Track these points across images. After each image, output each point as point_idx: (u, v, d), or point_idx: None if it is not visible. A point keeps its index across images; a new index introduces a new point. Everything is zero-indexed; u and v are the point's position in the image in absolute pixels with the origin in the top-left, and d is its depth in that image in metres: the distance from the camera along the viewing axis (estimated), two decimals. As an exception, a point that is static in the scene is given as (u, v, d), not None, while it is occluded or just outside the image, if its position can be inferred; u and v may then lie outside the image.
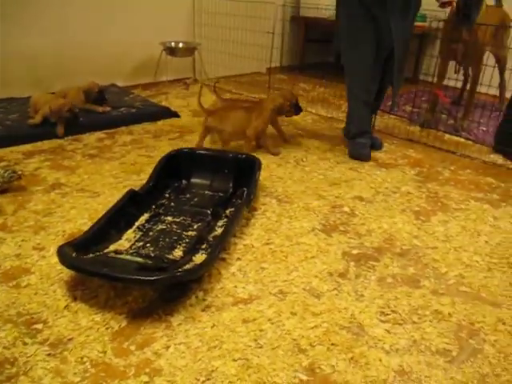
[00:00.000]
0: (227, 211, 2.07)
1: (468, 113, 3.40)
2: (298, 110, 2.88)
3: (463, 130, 3.34)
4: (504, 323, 1.54)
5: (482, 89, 3.30)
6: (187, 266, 1.62)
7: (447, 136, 3.29)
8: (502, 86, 3.84)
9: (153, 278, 1.45)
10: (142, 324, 1.47)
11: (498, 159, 2.93)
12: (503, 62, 3.66)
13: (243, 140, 2.80)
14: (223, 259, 1.78)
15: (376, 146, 2.98)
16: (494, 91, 3.62)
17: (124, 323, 1.47)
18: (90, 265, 1.56)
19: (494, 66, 3.44)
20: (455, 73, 3.45)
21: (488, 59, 3.32)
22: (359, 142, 2.84)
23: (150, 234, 1.90)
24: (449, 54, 3.21)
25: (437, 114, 3.54)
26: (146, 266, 1.63)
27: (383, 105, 3.24)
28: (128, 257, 1.70)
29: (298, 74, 4.96)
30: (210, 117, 2.75)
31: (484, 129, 3.45)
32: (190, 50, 4.05)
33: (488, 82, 3.02)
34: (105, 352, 1.36)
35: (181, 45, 4.06)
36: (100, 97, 3.26)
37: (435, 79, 3.36)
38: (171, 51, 3.98)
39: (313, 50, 5.40)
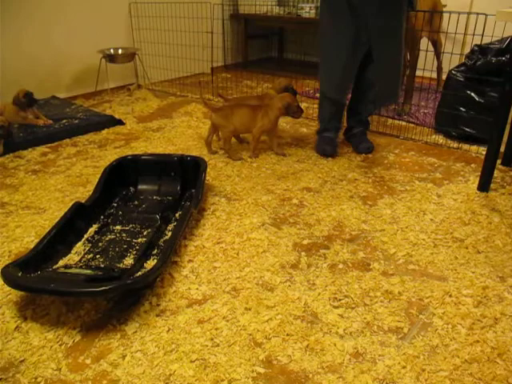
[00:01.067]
0: (177, 215, 2.06)
1: (409, 97, 3.51)
2: (301, 111, 2.76)
3: (406, 114, 3.45)
4: (450, 295, 1.60)
5: (419, 72, 3.40)
6: (138, 273, 1.61)
7: (390, 121, 3.38)
8: (438, 68, 3.97)
9: (102, 289, 1.42)
10: (97, 336, 1.45)
11: (440, 139, 3.04)
12: (439, 46, 3.79)
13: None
14: (175, 262, 1.77)
15: (360, 148, 2.83)
16: (430, 74, 3.73)
17: (78, 337, 1.44)
18: (36, 282, 1.52)
19: (430, 51, 3.54)
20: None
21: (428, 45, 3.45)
22: (324, 137, 2.82)
23: (100, 244, 1.87)
24: None
25: None
26: (96, 277, 1.60)
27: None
28: (77, 270, 1.66)
29: (242, 71, 4.98)
30: (214, 113, 2.71)
31: (425, 111, 3.57)
32: (129, 56, 4.00)
33: (423, 66, 3.12)
34: (59, 369, 1.33)
35: (120, 51, 4.00)
36: (28, 101, 3.11)
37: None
38: (111, 58, 3.92)
39: (255, 46, 5.44)
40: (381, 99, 2.76)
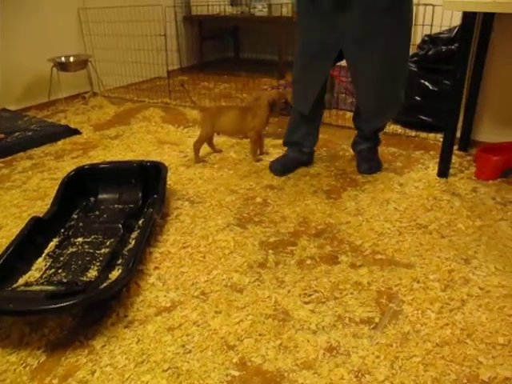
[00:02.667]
0: (140, 222, 2.02)
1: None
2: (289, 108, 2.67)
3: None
4: (418, 281, 1.62)
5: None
6: (103, 285, 1.56)
7: (349, 114, 3.40)
8: None
9: (65, 304, 1.37)
10: (63, 354, 1.39)
11: (398, 129, 3.08)
12: None
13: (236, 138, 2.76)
14: (141, 271, 1.72)
15: (360, 168, 2.50)
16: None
17: (43, 358, 1.38)
18: (-6, 303, 1.45)
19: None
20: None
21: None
22: (283, 154, 2.59)
23: (61, 259, 1.80)
24: None
25: (336, 95, 3.64)
26: (58, 293, 1.54)
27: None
28: (38, 287, 1.60)
29: (198, 73, 4.94)
30: (202, 112, 2.67)
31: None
32: (81, 63, 3.90)
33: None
34: (25, 392, 1.28)
35: (71, 59, 3.89)
36: None
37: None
38: (62, 66, 3.81)
39: (210, 47, 5.40)
40: (380, 113, 2.40)
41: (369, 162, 2.51)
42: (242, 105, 2.81)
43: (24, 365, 1.36)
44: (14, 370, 1.34)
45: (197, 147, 2.66)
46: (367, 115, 2.39)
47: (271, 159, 2.60)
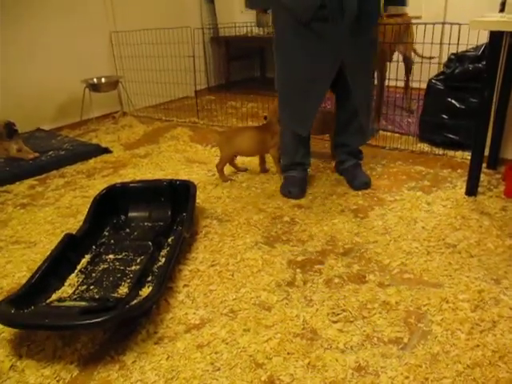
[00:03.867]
0: (169, 240, 2.05)
1: (378, 116, 3.46)
2: None
3: (377, 133, 3.36)
4: (447, 301, 1.60)
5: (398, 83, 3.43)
6: (134, 302, 1.60)
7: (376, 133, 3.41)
8: (406, 85, 3.89)
9: (97, 320, 1.40)
10: (95, 369, 1.43)
11: (425, 147, 3.07)
12: (409, 62, 3.75)
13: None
14: (170, 288, 1.75)
15: (355, 184, 2.54)
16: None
17: (76, 372, 1.42)
18: (30, 318, 1.50)
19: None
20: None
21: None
22: (290, 177, 2.54)
23: (93, 275, 1.85)
24: None
25: None
26: (90, 309, 1.58)
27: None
28: (71, 303, 1.65)
29: (225, 92, 5.01)
30: (218, 135, 2.76)
31: (409, 120, 3.61)
32: (113, 84, 4.02)
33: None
34: (59, 406, 1.31)
35: (103, 80, 4.02)
36: (8, 132, 3.10)
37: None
38: (94, 87, 3.93)
39: (237, 67, 5.49)
40: (369, 124, 2.61)
41: (361, 178, 2.57)
42: (259, 125, 2.81)
43: (57, 378, 1.40)
44: (48, 383, 1.38)
45: (219, 168, 2.72)
46: (363, 126, 2.52)
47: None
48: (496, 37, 2.11)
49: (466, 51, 3.06)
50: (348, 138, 2.59)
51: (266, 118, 2.66)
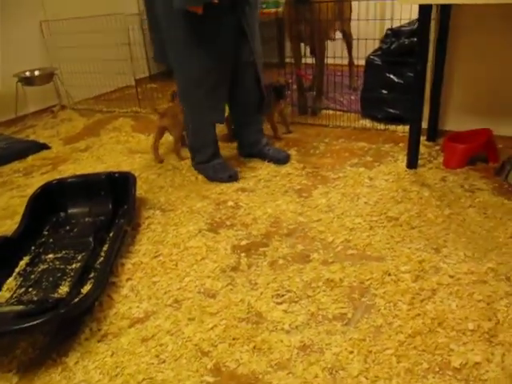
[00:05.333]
0: (111, 234, 2.00)
1: (320, 94, 3.45)
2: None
3: (320, 111, 3.39)
4: (389, 274, 1.63)
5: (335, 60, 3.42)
6: (74, 301, 1.54)
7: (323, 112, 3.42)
8: (350, 63, 3.89)
9: (33, 323, 1.35)
10: (36, 374, 1.38)
11: (367, 123, 3.10)
12: (350, 37, 3.74)
13: None
14: (113, 283, 1.71)
15: (282, 157, 2.63)
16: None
17: (15, 380, 1.37)
18: (-39, 327, 1.43)
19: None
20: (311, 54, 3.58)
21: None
22: (218, 164, 2.53)
23: (32, 277, 1.78)
24: (296, 36, 3.27)
25: (307, 95, 3.60)
26: (27, 312, 1.52)
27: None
28: (7, 308, 1.58)
29: (167, 80, 4.90)
30: (162, 116, 2.70)
31: (352, 98, 3.64)
32: (47, 77, 3.85)
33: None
34: (-2, 417, 1.26)
35: (36, 73, 3.84)
36: None
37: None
38: (27, 81, 3.76)
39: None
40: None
41: (281, 151, 2.71)
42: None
43: (-5, 389, 1.34)
44: (-14, 394, 1.32)
45: (178, 147, 2.77)
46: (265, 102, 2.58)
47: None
48: (425, 11, 2.13)
49: (402, 26, 3.11)
50: (255, 115, 2.64)
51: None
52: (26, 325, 1.37)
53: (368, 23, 3.37)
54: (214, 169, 2.50)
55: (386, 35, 3.18)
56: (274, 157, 2.64)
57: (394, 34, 3.11)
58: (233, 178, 2.45)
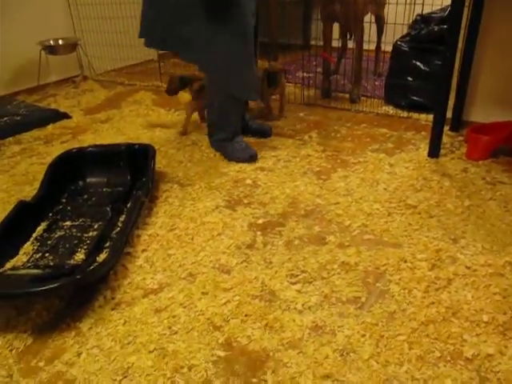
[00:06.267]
0: (128, 205, 2.00)
1: (359, 80, 3.33)
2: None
3: (359, 99, 3.28)
4: (405, 261, 1.62)
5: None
6: (90, 268, 1.56)
7: (341, 94, 3.38)
8: (377, 48, 3.79)
9: (50, 287, 1.36)
10: (50, 337, 1.40)
11: (390, 110, 3.06)
12: (382, 22, 3.64)
13: None
14: (128, 253, 1.72)
15: (267, 130, 2.74)
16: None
17: (30, 340, 1.39)
18: (-21, 287, 1.45)
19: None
20: (344, 37, 3.49)
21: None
22: (238, 143, 2.50)
23: (49, 242, 1.79)
24: (329, 16, 3.18)
25: (331, 79, 3.53)
26: (44, 276, 1.54)
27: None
28: (24, 271, 1.60)
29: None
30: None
31: (376, 83, 3.59)
32: (71, 46, 3.85)
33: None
34: (11, 375, 1.28)
35: (60, 41, 3.84)
36: None
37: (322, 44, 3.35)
38: (51, 50, 3.76)
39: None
40: None
41: (263, 125, 2.80)
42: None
43: (10, 348, 1.36)
44: (0, 353, 1.35)
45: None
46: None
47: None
48: (459, -5, 2.08)
49: (432, 12, 3.04)
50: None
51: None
52: (42, 288, 1.39)
53: (397, 7, 3.28)
54: (234, 148, 2.47)
55: (416, 21, 3.11)
56: (257, 129, 2.73)
57: (424, 20, 3.04)
58: (253, 158, 2.42)
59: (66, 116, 3.23)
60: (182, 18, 2.17)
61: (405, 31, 3.21)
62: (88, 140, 2.81)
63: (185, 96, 2.70)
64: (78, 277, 1.44)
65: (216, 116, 2.49)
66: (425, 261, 1.62)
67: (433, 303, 1.43)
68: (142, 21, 2.27)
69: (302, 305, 1.45)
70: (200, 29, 2.18)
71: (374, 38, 3.65)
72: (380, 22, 3.65)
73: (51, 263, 1.66)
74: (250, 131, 2.72)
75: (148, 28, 2.26)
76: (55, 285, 1.37)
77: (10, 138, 2.93)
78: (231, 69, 2.28)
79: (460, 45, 2.38)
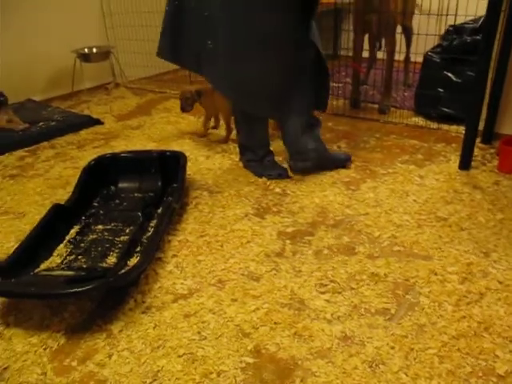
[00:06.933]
0: (159, 211, 2.04)
1: (389, 91, 3.29)
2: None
3: (389, 110, 3.23)
4: (436, 274, 1.60)
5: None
6: (122, 271, 1.59)
7: (370, 105, 3.37)
8: (407, 59, 3.74)
9: (84, 289, 1.40)
10: (82, 337, 1.43)
11: (420, 121, 3.03)
12: (410, 33, 3.60)
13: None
14: (159, 258, 1.75)
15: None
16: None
17: (63, 340, 1.42)
18: (16, 287, 1.50)
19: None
20: (374, 48, 3.47)
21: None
22: (269, 161, 2.44)
23: (82, 245, 1.84)
24: (363, 27, 3.16)
25: (361, 89, 3.51)
26: (78, 278, 1.57)
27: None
28: (59, 272, 1.64)
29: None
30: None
31: (406, 94, 3.57)
32: (104, 54, 3.94)
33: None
34: (45, 373, 1.32)
35: (94, 50, 3.93)
36: None
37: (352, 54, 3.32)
38: (85, 58, 3.85)
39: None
40: None
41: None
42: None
43: (44, 347, 1.40)
44: (35, 351, 1.38)
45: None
46: None
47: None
48: (494, 7, 2.06)
49: (465, 23, 3.01)
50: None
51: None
52: (75, 290, 1.42)
53: (428, 18, 3.26)
54: (264, 166, 2.41)
55: (448, 32, 3.09)
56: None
57: (456, 30, 3.01)
58: (282, 175, 2.35)
59: (98, 122, 3.31)
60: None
61: (435, 42, 3.19)
62: (119, 146, 2.87)
63: None
64: (111, 279, 1.47)
65: (245, 137, 2.43)
66: (455, 274, 1.60)
67: (464, 317, 1.41)
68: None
69: (331, 314, 1.45)
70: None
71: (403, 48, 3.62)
72: (408, 33, 3.63)
73: (84, 265, 1.70)
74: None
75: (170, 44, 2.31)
76: (88, 287, 1.40)
77: (45, 143, 3.01)
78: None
79: (494, 55, 2.36)
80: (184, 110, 2.86)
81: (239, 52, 2.07)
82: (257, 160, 2.43)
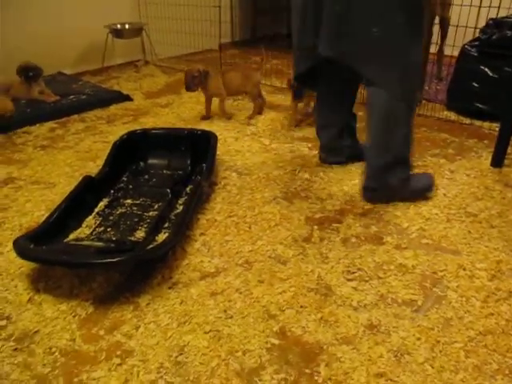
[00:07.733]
0: (187, 188, 2.05)
1: (421, 83, 3.08)
2: None
3: (420, 102, 3.08)
4: (464, 269, 1.59)
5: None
6: (150, 246, 1.60)
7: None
8: (440, 51, 3.61)
9: (114, 260, 1.42)
10: (110, 308, 1.45)
11: (452, 115, 2.98)
12: (447, 24, 3.46)
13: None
14: (187, 236, 1.76)
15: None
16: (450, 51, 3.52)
17: (91, 309, 1.45)
18: (48, 254, 1.52)
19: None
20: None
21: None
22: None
23: (111, 218, 1.86)
24: None
25: None
26: (107, 250, 1.60)
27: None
28: (88, 242, 1.66)
29: (250, 47, 4.90)
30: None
31: (438, 87, 3.51)
32: (136, 31, 3.95)
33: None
34: (73, 340, 1.34)
35: (127, 26, 3.94)
36: (26, 75, 3.09)
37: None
38: (117, 33, 3.87)
39: (264, 22, 5.35)
40: None
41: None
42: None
43: (73, 314, 1.42)
44: (64, 318, 1.41)
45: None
46: None
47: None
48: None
49: (506, 17, 2.94)
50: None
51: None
52: (105, 260, 1.45)
53: (470, 9, 3.17)
54: (414, 179, 2.02)
55: (487, 25, 3.02)
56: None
57: (497, 24, 2.94)
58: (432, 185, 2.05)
59: (128, 98, 3.33)
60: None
61: (473, 35, 3.11)
62: (148, 123, 2.88)
63: None
64: (141, 253, 1.49)
65: (403, 146, 1.99)
66: (484, 270, 1.58)
67: (492, 314, 1.40)
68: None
69: (358, 302, 1.44)
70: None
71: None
72: (445, 24, 3.54)
73: (113, 238, 1.72)
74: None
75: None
76: (118, 259, 1.43)
77: (75, 116, 3.04)
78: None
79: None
80: (189, 88, 2.75)
81: None
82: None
